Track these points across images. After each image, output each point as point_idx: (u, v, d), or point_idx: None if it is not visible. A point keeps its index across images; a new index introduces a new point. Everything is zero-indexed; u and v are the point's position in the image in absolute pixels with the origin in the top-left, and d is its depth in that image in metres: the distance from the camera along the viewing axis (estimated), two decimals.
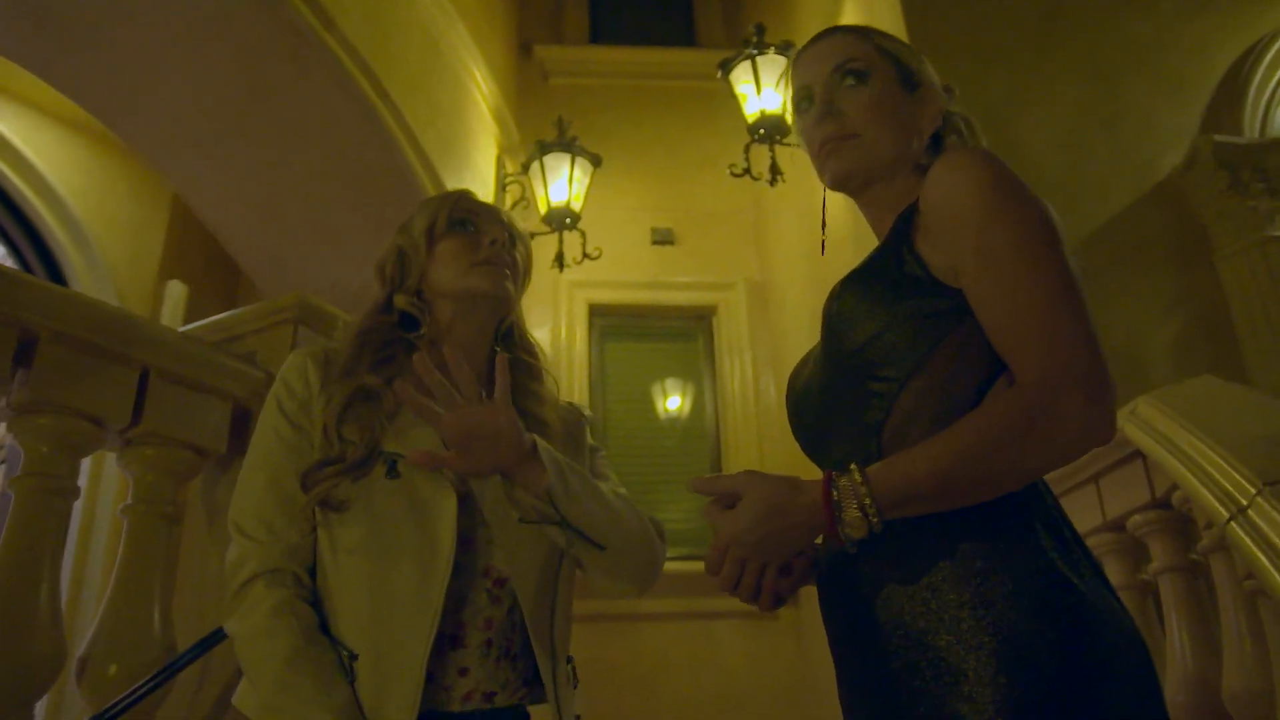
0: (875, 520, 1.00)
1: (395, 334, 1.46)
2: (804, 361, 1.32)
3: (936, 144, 1.28)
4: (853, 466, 1.02)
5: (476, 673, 1.33)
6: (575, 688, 1.48)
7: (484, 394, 1.32)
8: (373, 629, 1.27)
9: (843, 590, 1.14)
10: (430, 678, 1.27)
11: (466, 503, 1.35)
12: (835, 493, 1.01)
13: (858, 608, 1.10)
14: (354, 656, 1.27)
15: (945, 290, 1.10)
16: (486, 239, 1.49)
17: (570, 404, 1.62)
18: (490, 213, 1.55)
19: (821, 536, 1.09)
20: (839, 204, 1.37)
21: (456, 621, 1.33)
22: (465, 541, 1.34)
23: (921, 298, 1.10)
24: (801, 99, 1.32)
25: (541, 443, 1.31)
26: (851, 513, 1.00)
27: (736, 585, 1.14)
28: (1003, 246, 1.06)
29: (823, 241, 1.38)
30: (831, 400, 1.19)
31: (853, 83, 1.26)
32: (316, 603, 1.32)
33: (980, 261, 1.07)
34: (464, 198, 1.55)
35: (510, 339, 1.57)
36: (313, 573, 1.35)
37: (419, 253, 1.49)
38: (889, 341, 1.09)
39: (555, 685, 1.38)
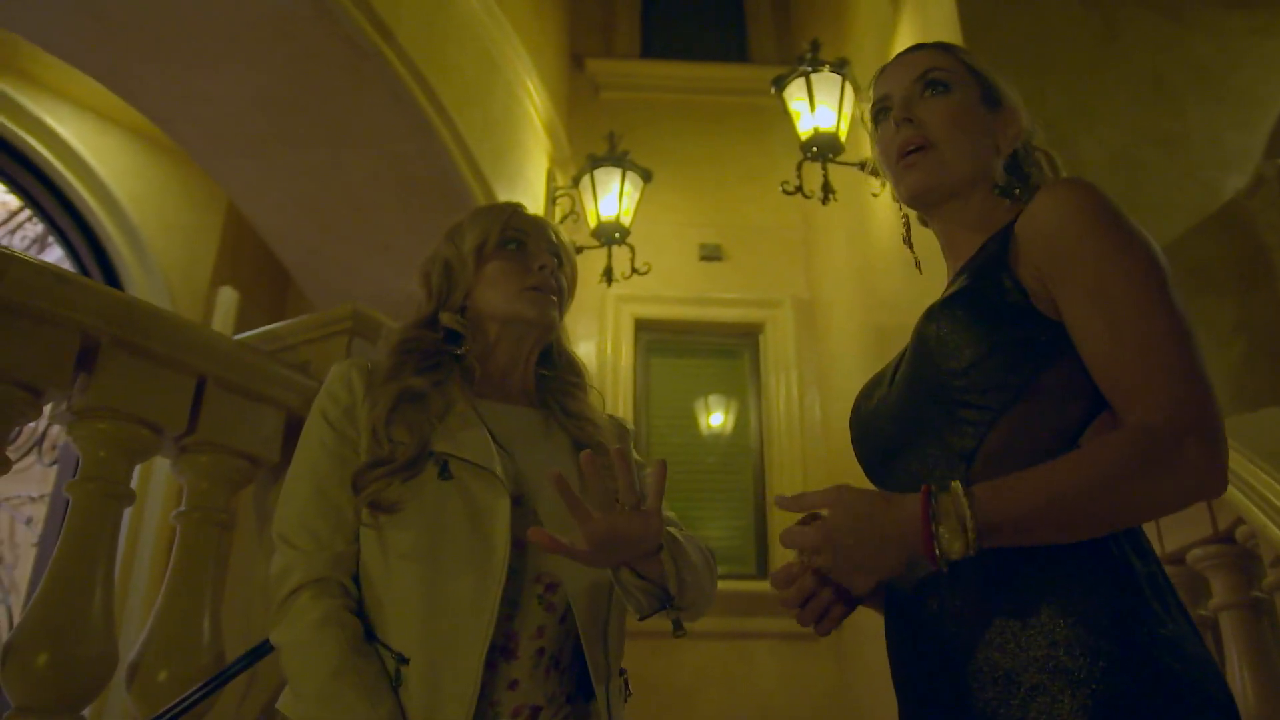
0: (974, 541, 0.95)
1: (438, 346, 1.45)
2: (876, 382, 1.28)
3: (1018, 172, 1.25)
4: (955, 484, 0.97)
5: (525, 685, 1.30)
6: (626, 701, 1.44)
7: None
8: (426, 636, 1.26)
9: (917, 625, 1.11)
10: (480, 692, 1.24)
11: (519, 504, 1.33)
12: (934, 507, 0.97)
13: (935, 643, 1.07)
14: (404, 660, 1.25)
15: (1045, 321, 1.07)
16: (535, 263, 1.49)
17: (613, 417, 1.60)
18: (540, 231, 1.54)
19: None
20: (891, 223, 1.35)
21: (508, 631, 1.30)
22: (517, 545, 1.31)
23: (1023, 327, 1.07)
24: (879, 109, 1.30)
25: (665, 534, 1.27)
26: (950, 531, 0.96)
27: (805, 601, 1.10)
28: (1118, 284, 1.03)
29: (915, 261, 1.34)
30: (912, 423, 1.15)
31: (933, 93, 1.25)
32: (362, 611, 1.31)
33: (1093, 299, 1.04)
34: (516, 215, 1.55)
35: (551, 358, 1.56)
36: (357, 579, 1.33)
37: (466, 269, 1.49)
38: (990, 368, 1.06)
39: (608, 696, 1.35)
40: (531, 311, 1.47)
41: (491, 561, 1.27)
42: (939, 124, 1.23)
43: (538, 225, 1.55)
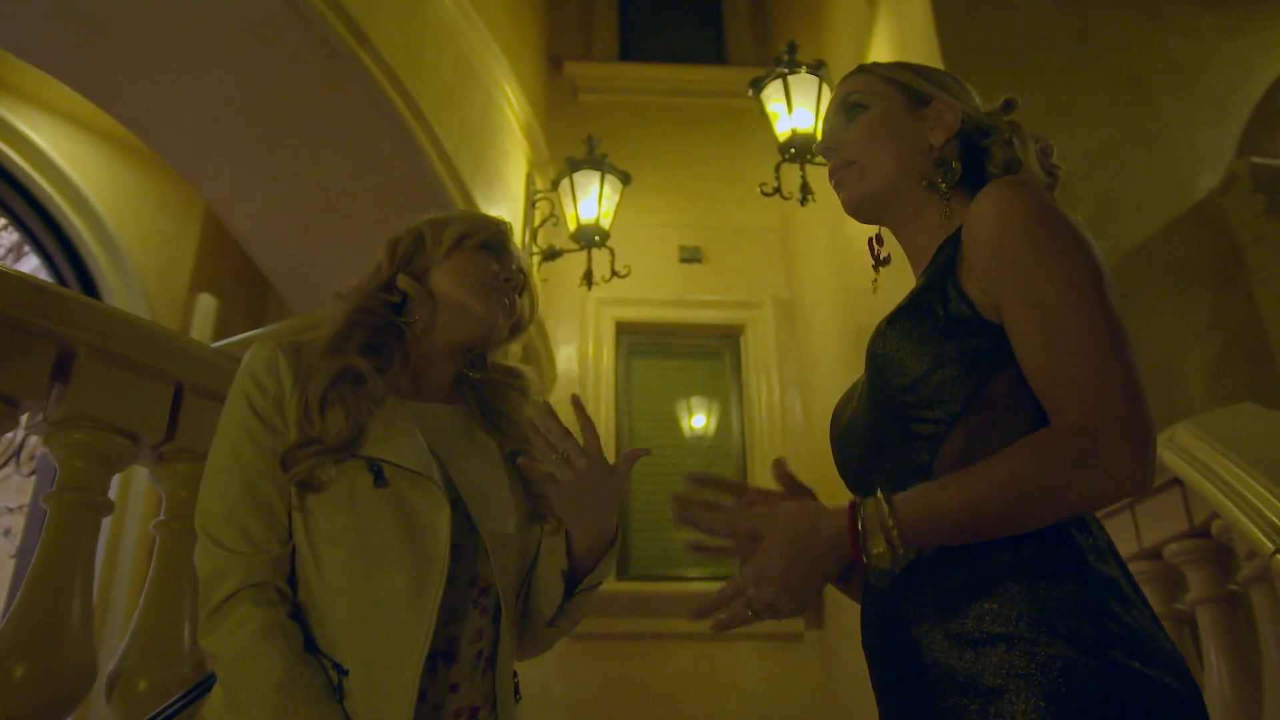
0: (899, 546, 0.99)
1: (389, 318, 1.44)
2: (848, 397, 1.30)
3: (979, 159, 1.26)
4: (879, 494, 1.01)
5: (465, 688, 1.29)
6: (518, 702, 1.43)
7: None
8: (364, 644, 1.23)
9: (888, 631, 1.12)
10: (422, 696, 1.23)
11: (457, 509, 1.31)
12: (860, 521, 1.00)
13: (903, 648, 1.08)
14: (344, 672, 1.23)
15: (991, 329, 1.08)
16: (503, 274, 1.50)
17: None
18: (518, 259, 1.56)
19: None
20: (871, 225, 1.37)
21: (449, 636, 1.29)
22: (454, 549, 1.29)
23: (968, 337, 1.08)
24: (822, 152, 1.36)
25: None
26: (877, 542, 0.99)
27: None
28: (1047, 287, 1.04)
29: (874, 280, 1.36)
30: (877, 440, 1.17)
31: (853, 115, 1.30)
32: (299, 614, 1.27)
33: (1023, 302, 1.05)
34: (505, 232, 1.55)
35: (483, 365, 1.54)
36: (292, 582, 1.29)
37: (439, 248, 1.48)
38: (935, 382, 1.08)
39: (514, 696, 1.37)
40: (481, 307, 1.46)
41: (430, 570, 1.25)
42: (853, 141, 1.29)
43: (518, 254, 1.56)
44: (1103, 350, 1.01)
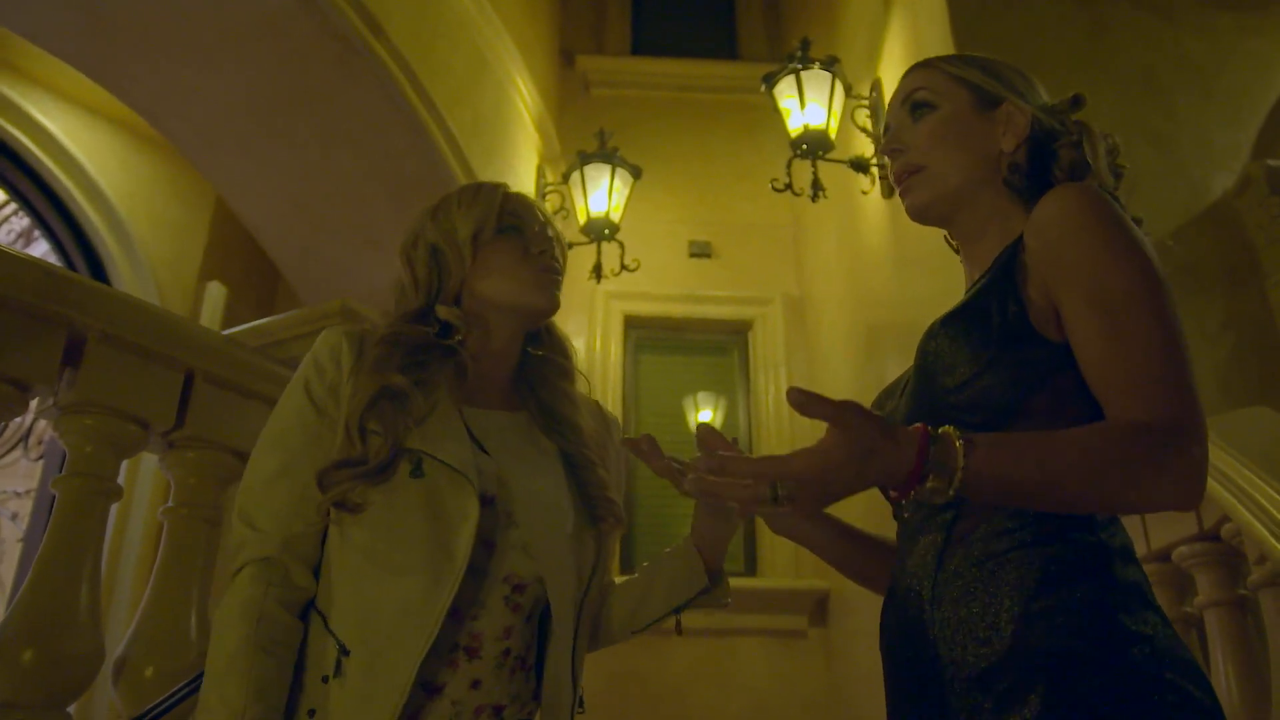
0: (957, 491, 0.94)
1: (429, 340, 1.39)
2: (889, 393, 1.29)
3: (1045, 160, 1.24)
4: (956, 437, 0.94)
5: (489, 684, 1.28)
6: (579, 715, 1.41)
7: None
8: (369, 628, 1.24)
9: (907, 633, 1.11)
10: (439, 689, 1.24)
11: (490, 505, 1.31)
12: (931, 452, 0.93)
13: (922, 647, 1.07)
14: (346, 653, 1.23)
15: (1041, 341, 1.07)
16: (536, 246, 1.45)
17: (596, 402, 1.59)
18: (531, 212, 1.49)
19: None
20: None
21: (473, 631, 1.28)
22: (487, 544, 1.29)
23: (1021, 347, 1.07)
24: (886, 151, 1.32)
25: None
26: (939, 479, 0.93)
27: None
28: (1117, 291, 1.03)
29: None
30: None
31: (920, 115, 1.27)
32: (315, 599, 1.29)
33: (1092, 305, 1.04)
34: (509, 198, 1.49)
35: (540, 338, 1.53)
36: (318, 566, 1.31)
37: (463, 260, 1.43)
38: (983, 387, 1.07)
39: (576, 695, 1.36)
40: (542, 299, 1.44)
41: (451, 565, 1.24)
42: (923, 145, 1.26)
43: (529, 206, 1.50)
44: (1169, 356, 1.00)
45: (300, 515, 1.29)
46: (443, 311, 1.41)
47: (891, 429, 0.95)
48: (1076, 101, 1.28)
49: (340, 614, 1.26)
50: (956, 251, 1.35)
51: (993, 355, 1.07)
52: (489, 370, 1.45)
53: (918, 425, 0.96)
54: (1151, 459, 0.95)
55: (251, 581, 1.25)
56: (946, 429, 0.95)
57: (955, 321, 1.13)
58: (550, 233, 1.49)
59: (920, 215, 1.28)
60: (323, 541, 1.32)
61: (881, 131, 1.36)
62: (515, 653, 1.32)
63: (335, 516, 1.30)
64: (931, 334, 1.15)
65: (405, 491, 1.27)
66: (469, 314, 1.43)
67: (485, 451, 1.35)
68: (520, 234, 1.45)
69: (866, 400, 1.22)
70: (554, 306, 1.46)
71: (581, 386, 1.54)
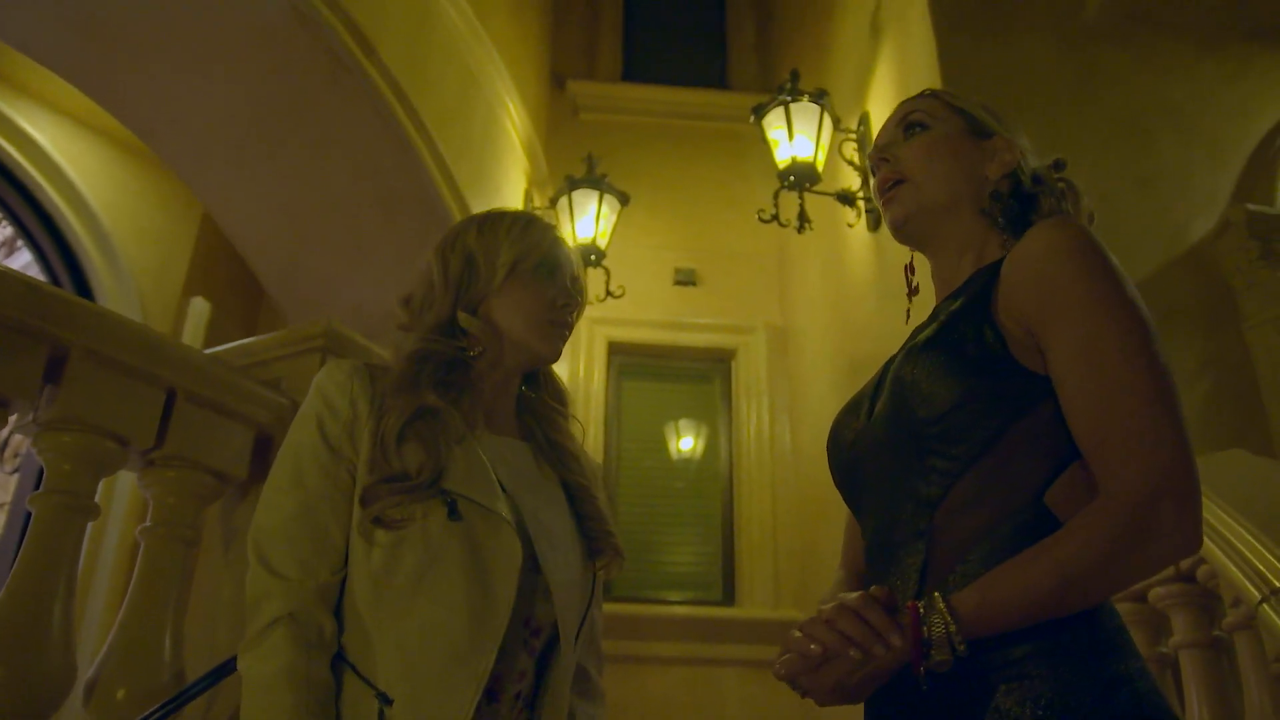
0: (962, 650, 0.96)
1: (459, 358, 1.40)
2: (853, 411, 1.28)
3: (1020, 200, 1.26)
4: (940, 602, 0.98)
5: None
6: None
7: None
8: (415, 676, 1.22)
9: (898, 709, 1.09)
10: None
11: (526, 550, 1.30)
12: (926, 630, 0.97)
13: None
14: (388, 701, 1.21)
15: (1020, 371, 1.07)
16: (561, 297, 1.47)
17: (583, 450, 1.59)
18: (570, 264, 1.51)
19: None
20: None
21: (496, 674, 1.27)
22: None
23: (996, 378, 1.07)
24: (873, 162, 1.34)
25: None
26: (940, 650, 0.96)
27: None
28: (1109, 340, 1.02)
29: (907, 310, 1.34)
30: (886, 464, 1.15)
31: (913, 133, 1.29)
32: (343, 648, 1.27)
33: (1082, 353, 1.03)
34: (557, 244, 1.51)
35: (537, 381, 1.55)
36: (339, 611, 1.29)
37: (494, 277, 1.44)
38: (959, 419, 1.06)
39: None
40: (546, 347, 1.46)
41: (495, 608, 1.24)
42: (913, 157, 1.27)
43: (570, 259, 1.52)
44: (1160, 408, 0.99)
45: (325, 562, 1.27)
46: (465, 320, 1.42)
47: (882, 636, 0.97)
48: (1058, 165, 1.30)
49: (381, 661, 1.24)
50: (909, 283, 1.36)
51: (971, 385, 1.07)
52: (490, 396, 1.46)
53: (909, 610, 0.98)
54: (1136, 540, 0.96)
55: (291, 645, 1.21)
56: (936, 602, 0.98)
57: (933, 349, 1.12)
58: (578, 289, 1.51)
59: (900, 226, 1.28)
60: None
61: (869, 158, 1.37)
62: (524, 695, 1.32)
63: (365, 547, 1.27)
64: (908, 359, 1.15)
65: (444, 536, 1.26)
66: (484, 332, 1.44)
67: (504, 489, 1.34)
68: (552, 281, 1.47)
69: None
70: (555, 358, 1.49)
71: (576, 432, 1.55)
